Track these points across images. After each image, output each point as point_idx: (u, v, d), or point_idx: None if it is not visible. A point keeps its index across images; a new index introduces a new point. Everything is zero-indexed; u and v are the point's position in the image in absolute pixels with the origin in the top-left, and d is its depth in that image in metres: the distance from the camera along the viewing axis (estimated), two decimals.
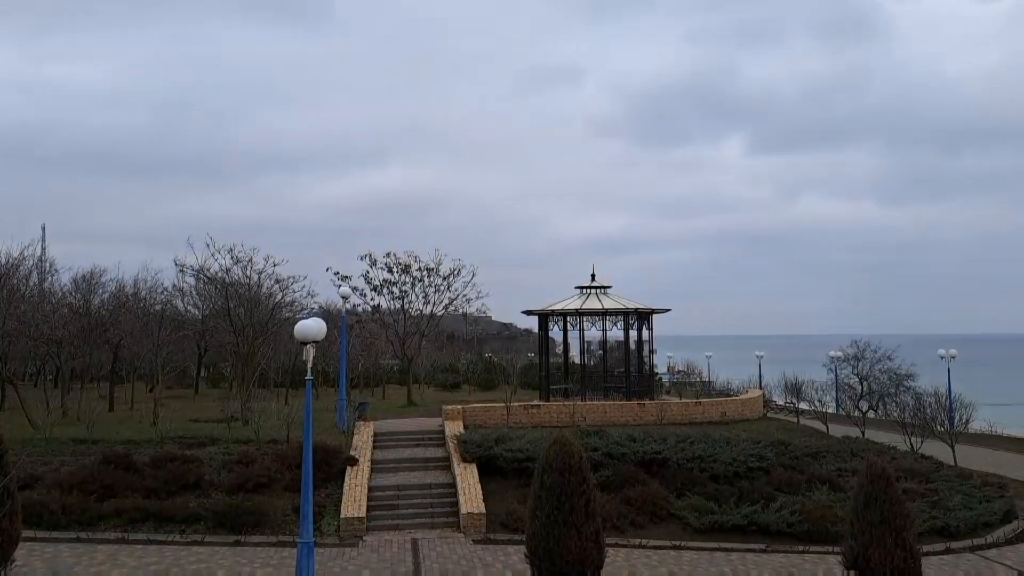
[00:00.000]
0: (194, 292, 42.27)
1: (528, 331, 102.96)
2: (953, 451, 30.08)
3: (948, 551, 20.01)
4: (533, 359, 56.16)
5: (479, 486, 21.81)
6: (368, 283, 42.01)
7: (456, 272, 42.13)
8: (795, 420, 37.30)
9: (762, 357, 54.52)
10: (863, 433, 33.46)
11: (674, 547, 19.78)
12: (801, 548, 19.88)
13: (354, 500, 20.84)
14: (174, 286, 43.50)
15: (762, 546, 19.94)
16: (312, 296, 42.27)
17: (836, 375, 42.96)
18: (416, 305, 42.61)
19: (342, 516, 20.22)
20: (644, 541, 20.01)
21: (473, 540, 19.75)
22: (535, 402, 33.06)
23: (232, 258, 35.48)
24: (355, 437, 25.55)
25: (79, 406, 30.36)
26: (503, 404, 29.98)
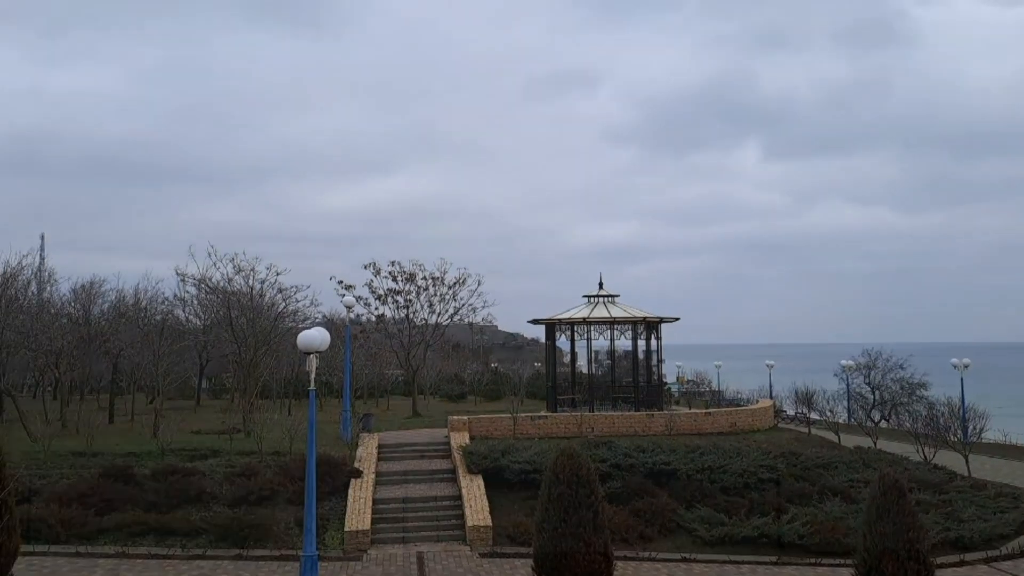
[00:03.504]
0: (195, 302, 42.19)
1: (535, 340, 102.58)
2: (967, 461, 29.62)
3: (962, 563, 19.66)
4: (540, 369, 55.89)
5: (485, 498, 21.55)
6: (372, 292, 41.86)
7: (462, 281, 41.98)
8: (806, 430, 36.90)
9: (773, 367, 54.18)
10: (875, 443, 33.07)
11: (684, 560, 19.50)
12: (813, 560, 19.58)
13: (358, 513, 20.57)
14: (175, 296, 43.36)
15: (773, 559, 19.64)
16: (316, 306, 42.22)
17: (848, 384, 42.58)
18: (421, 315, 42.43)
19: (346, 529, 19.94)
20: (653, 554, 19.71)
21: (480, 554, 19.48)
22: (542, 413, 32.77)
23: (234, 267, 35.38)
24: (359, 449, 25.32)
25: (78, 418, 30.08)
26: (510, 415, 29.63)
